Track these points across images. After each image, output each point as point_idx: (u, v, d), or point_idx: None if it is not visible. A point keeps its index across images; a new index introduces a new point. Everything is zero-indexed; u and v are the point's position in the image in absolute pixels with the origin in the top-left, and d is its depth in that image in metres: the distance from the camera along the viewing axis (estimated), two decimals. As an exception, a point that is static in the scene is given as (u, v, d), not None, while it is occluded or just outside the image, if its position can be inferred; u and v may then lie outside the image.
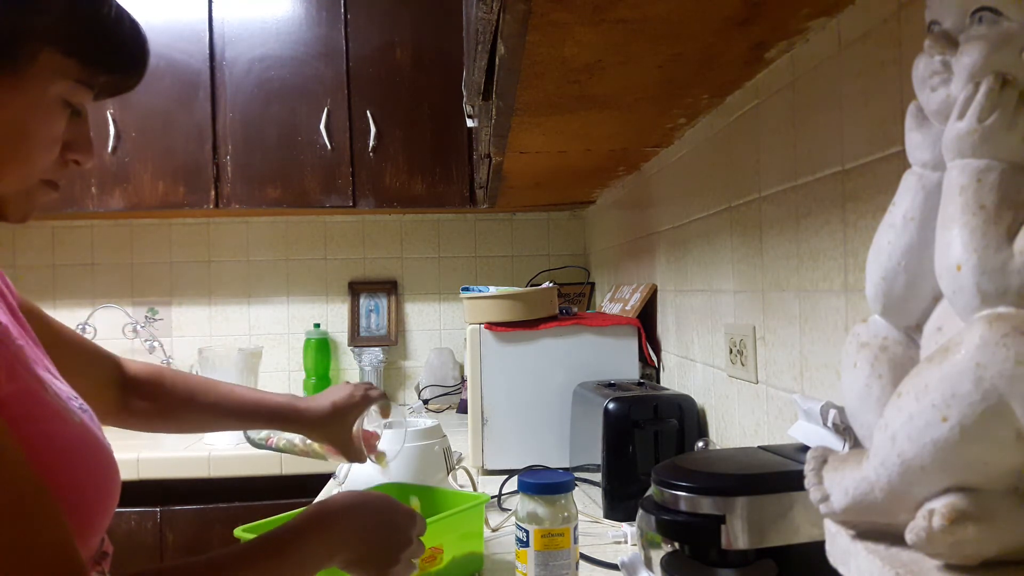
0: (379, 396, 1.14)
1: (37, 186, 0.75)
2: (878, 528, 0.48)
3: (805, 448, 0.80)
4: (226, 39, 2.32)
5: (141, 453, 1.98)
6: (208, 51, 2.31)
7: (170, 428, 1.13)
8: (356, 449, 1.10)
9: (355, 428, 1.09)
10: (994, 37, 0.45)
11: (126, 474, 2.14)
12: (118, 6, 0.72)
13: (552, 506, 0.95)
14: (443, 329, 2.74)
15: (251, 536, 0.95)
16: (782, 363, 1.07)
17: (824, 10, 0.86)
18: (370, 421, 1.14)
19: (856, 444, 0.63)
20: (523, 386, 1.63)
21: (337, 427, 1.08)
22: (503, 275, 2.75)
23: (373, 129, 2.34)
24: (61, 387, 0.80)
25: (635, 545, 1.11)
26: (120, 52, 0.73)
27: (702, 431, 1.39)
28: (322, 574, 0.79)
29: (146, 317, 2.62)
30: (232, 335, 2.66)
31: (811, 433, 0.76)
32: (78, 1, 0.68)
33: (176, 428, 1.14)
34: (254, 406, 1.08)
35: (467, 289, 1.75)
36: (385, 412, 1.16)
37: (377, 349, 2.61)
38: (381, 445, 1.15)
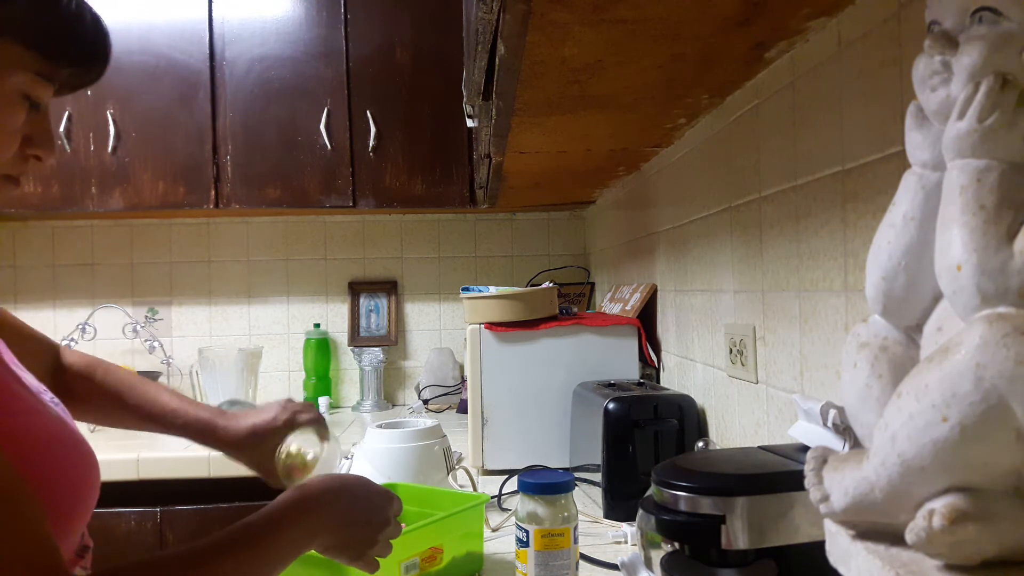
0: (310, 420, 1.04)
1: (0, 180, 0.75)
2: (878, 528, 0.48)
3: (805, 448, 0.80)
4: (226, 39, 2.32)
5: (141, 453, 1.98)
6: (208, 51, 2.31)
7: (97, 422, 1.12)
8: (276, 475, 1.01)
9: (278, 452, 1.00)
10: (994, 37, 0.45)
11: (126, 474, 2.13)
12: (78, 6, 0.72)
13: (552, 506, 0.95)
14: (443, 329, 2.74)
15: (251, 536, 0.95)
16: (782, 363, 1.07)
17: (824, 10, 0.86)
18: (303, 442, 1.03)
19: (856, 444, 0.63)
20: (523, 386, 1.63)
21: (255, 451, 1.02)
22: (503, 275, 2.75)
23: (373, 129, 2.34)
24: (31, 380, 0.80)
25: (635, 545, 1.11)
26: (81, 45, 0.73)
27: (702, 431, 1.39)
28: (299, 559, 0.79)
29: (146, 317, 2.62)
30: (232, 335, 2.66)
31: (811, 433, 0.76)
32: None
33: (102, 423, 1.11)
34: (174, 415, 1.03)
35: (467, 289, 1.75)
36: (322, 436, 1.04)
37: (377, 349, 2.61)
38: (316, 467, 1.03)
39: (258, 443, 1.02)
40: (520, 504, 0.97)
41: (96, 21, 0.74)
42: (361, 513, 0.83)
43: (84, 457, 0.79)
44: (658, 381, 1.71)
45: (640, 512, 0.88)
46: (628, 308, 1.79)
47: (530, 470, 1.31)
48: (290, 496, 0.80)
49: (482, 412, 1.63)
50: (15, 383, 0.74)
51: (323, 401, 2.51)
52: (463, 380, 2.52)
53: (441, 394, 2.55)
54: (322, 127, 2.32)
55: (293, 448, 1.01)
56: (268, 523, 0.75)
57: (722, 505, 0.75)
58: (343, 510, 0.82)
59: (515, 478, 1.18)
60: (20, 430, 0.70)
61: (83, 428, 0.94)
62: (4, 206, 2.31)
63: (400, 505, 0.88)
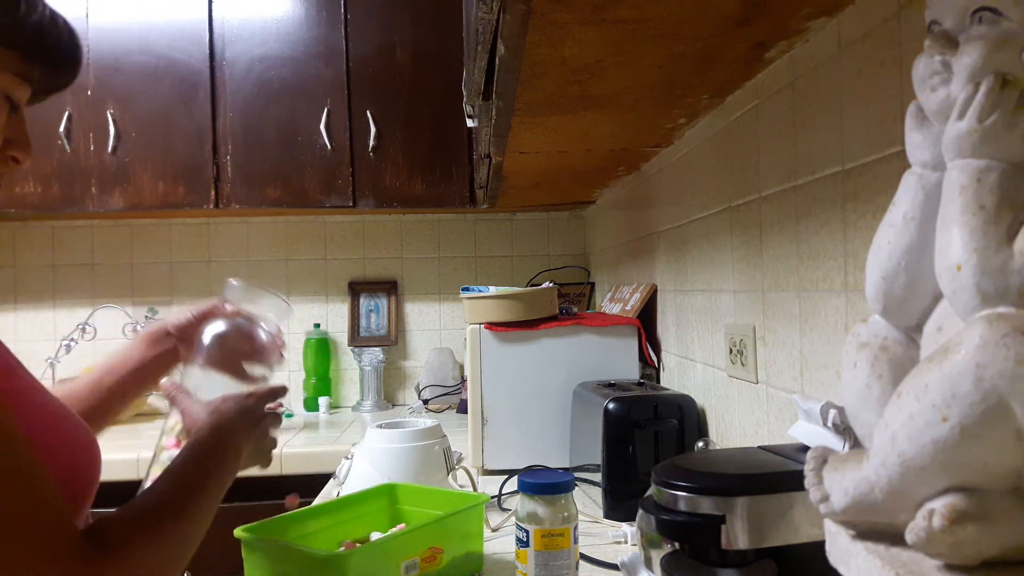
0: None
1: None
2: (878, 528, 0.48)
3: (805, 448, 0.80)
4: (226, 39, 2.32)
5: (141, 453, 1.98)
6: (208, 51, 2.31)
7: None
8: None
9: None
10: (994, 37, 0.45)
11: (126, 474, 2.13)
12: (52, 8, 0.77)
13: (552, 506, 0.95)
14: (443, 329, 2.74)
15: (250, 536, 0.96)
16: (782, 363, 1.07)
17: (824, 10, 0.86)
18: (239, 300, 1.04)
19: (856, 444, 0.63)
20: (523, 386, 1.63)
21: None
22: (503, 275, 2.75)
23: (373, 129, 2.34)
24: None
25: (635, 545, 1.11)
26: (57, 46, 0.77)
27: (702, 431, 1.39)
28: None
29: (146, 317, 2.62)
30: (232, 335, 2.65)
31: (811, 433, 0.76)
32: (13, 4, 0.72)
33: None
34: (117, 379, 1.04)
35: (467, 289, 1.75)
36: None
37: (377, 349, 2.61)
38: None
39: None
40: (520, 504, 0.97)
41: (68, 25, 0.79)
42: (248, 414, 0.91)
43: (85, 435, 0.81)
44: (658, 381, 1.71)
45: (640, 512, 0.88)
46: (628, 308, 1.79)
47: (530, 470, 1.31)
48: (208, 437, 0.86)
49: (482, 412, 1.63)
50: (16, 364, 0.77)
51: (323, 401, 2.51)
52: (463, 380, 2.52)
53: (441, 394, 2.55)
54: (322, 127, 2.32)
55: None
56: (208, 460, 0.84)
57: (722, 505, 0.75)
58: (240, 418, 0.89)
59: (515, 478, 1.18)
60: (28, 407, 0.72)
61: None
62: (4, 206, 2.31)
63: (265, 392, 0.95)
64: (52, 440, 0.75)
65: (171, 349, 1.06)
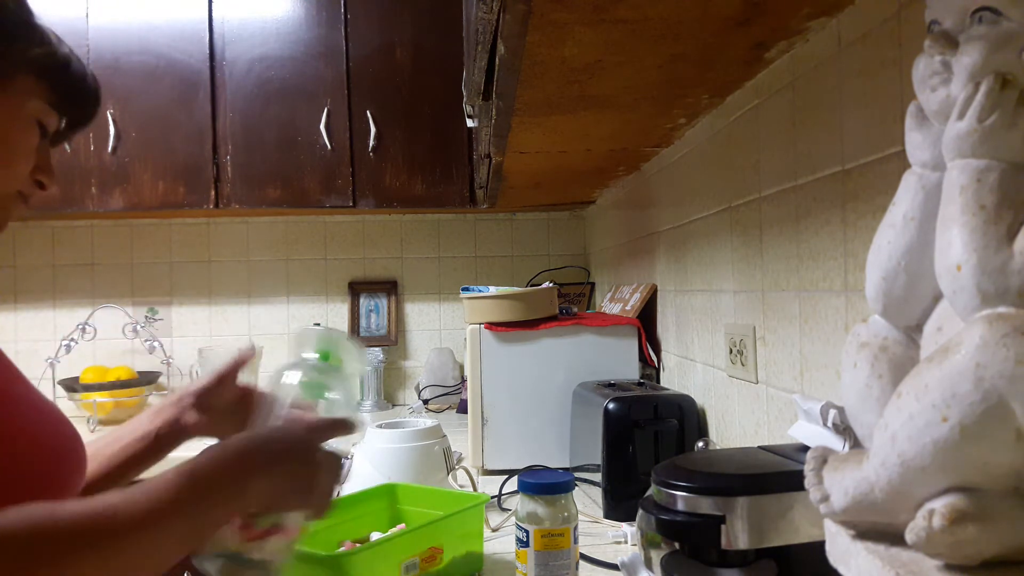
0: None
1: (11, 196, 0.82)
2: (878, 528, 0.48)
3: (805, 448, 0.80)
4: (226, 39, 2.32)
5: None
6: (208, 51, 2.31)
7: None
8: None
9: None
10: (994, 37, 0.45)
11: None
12: (75, 54, 0.86)
13: (552, 506, 0.95)
14: (443, 329, 2.74)
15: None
16: (782, 363, 1.07)
17: (824, 10, 0.86)
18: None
19: (856, 444, 0.63)
20: (523, 386, 1.63)
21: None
22: (503, 275, 2.75)
23: (373, 129, 2.34)
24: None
25: (635, 545, 1.11)
26: (83, 80, 0.85)
27: (702, 431, 1.38)
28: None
29: (146, 317, 2.62)
30: (232, 335, 2.66)
31: (811, 433, 0.76)
32: (48, 39, 0.81)
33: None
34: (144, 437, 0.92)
35: (467, 289, 1.75)
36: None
37: (377, 349, 2.61)
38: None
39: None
40: (520, 504, 0.97)
41: (84, 66, 0.87)
42: (284, 447, 0.72)
43: (66, 429, 0.82)
44: (658, 381, 1.71)
45: (640, 512, 0.88)
46: (628, 308, 1.79)
47: (530, 470, 1.31)
48: (206, 455, 0.68)
49: (482, 412, 1.63)
50: (2, 356, 0.79)
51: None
52: (463, 380, 2.52)
53: (441, 394, 2.55)
54: (322, 127, 2.32)
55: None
56: (192, 490, 0.63)
57: (722, 505, 0.75)
58: (264, 450, 0.71)
59: (515, 478, 1.18)
60: (9, 397, 0.75)
61: (83, 429, 0.94)
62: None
63: (330, 428, 0.78)
64: (36, 430, 0.76)
65: (172, 419, 0.94)
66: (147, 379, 2.44)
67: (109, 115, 2.27)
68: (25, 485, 0.72)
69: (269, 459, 0.70)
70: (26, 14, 0.80)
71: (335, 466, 0.76)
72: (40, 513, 0.54)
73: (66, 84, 0.83)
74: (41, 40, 0.80)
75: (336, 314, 2.70)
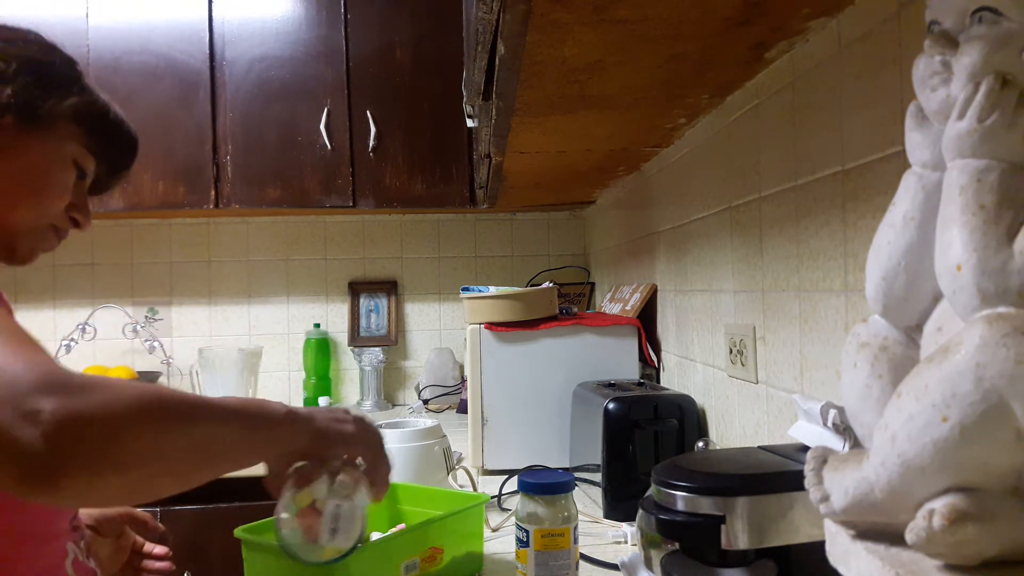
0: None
1: (46, 228, 0.91)
2: (878, 528, 0.48)
3: (805, 448, 0.80)
4: (226, 39, 2.32)
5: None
6: (208, 51, 2.31)
7: None
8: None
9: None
10: (994, 37, 0.45)
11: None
12: (115, 106, 0.95)
13: (552, 506, 0.95)
14: (443, 329, 2.74)
15: (251, 536, 0.95)
16: (782, 363, 1.07)
17: (824, 10, 0.86)
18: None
19: (856, 444, 0.63)
20: (523, 386, 1.63)
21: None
22: (503, 275, 2.75)
23: (373, 129, 2.34)
24: None
25: (635, 545, 1.11)
26: (118, 130, 0.95)
27: (702, 431, 1.38)
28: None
29: (146, 317, 2.62)
30: (232, 335, 2.66)
31: (811, 433, 0.76)
32: (89, 90, 0.91)
33: None
34: None
35: (467, 289, 1.75)
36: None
37: (377, 349, 2.61)
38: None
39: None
40: (520, 504, 0.97)
41: (122, 117, 0.96)
42: (365, 428, 0.79)
43: None
44: (658, 381, 1.71)
45: (640, 512, 0.88)
46: (628, 308, 1.79)
47: (530, 470, 1.31)
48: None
49: (482, 412, 1.63)
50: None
51: (323, 401, 2.51)
52: (463, 380, 2.52)
53: (441, 394, 2.55)
54: (322, 127, 2.32)
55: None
56: (259, 407, 0.72)
57: (722, 505, 0.75)
58: (342, 419, 0.77)
59: (515, 478, 1.18)
60: None
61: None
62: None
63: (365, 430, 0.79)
64: None
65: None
66: (147, 379, 2.44)
67: (109, 115, 2.27)
68: None
69: (327, 414, 0.77)
70: (70, 69, 0.90)
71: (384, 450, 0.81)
72: (150, 388, 0.64)
73: (103, 131, 0.92)
74: (81, 90, 0.90)
75: (336, 314, 2.70)
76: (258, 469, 0.80)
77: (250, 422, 0.70)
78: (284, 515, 0.75)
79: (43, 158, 0.86)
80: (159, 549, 1.09)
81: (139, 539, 1.08)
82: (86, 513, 0.98)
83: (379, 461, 0.80)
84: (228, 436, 0.69)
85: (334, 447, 0.76)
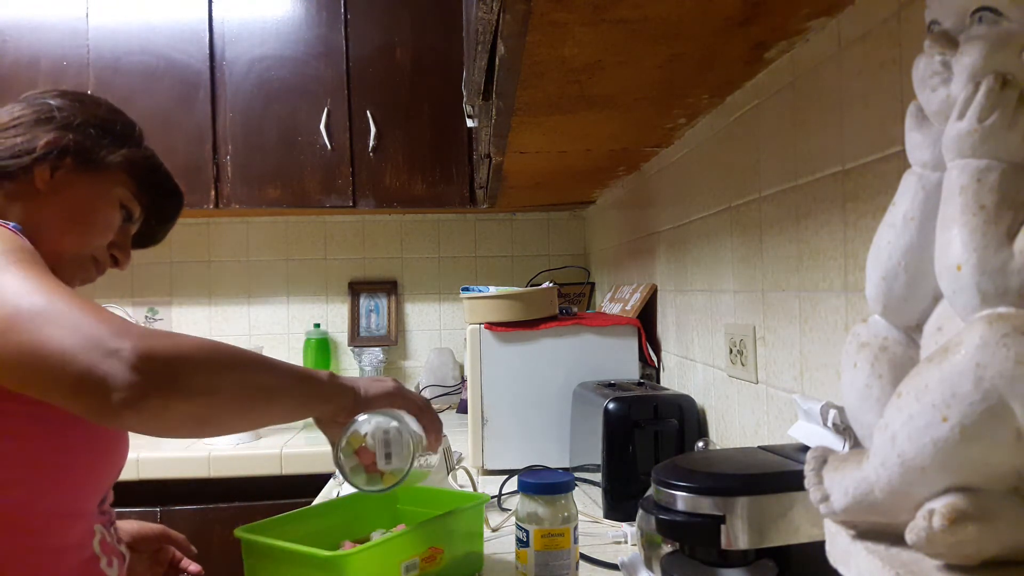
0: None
1: (88, 259, 0.99)
2: (878, 528, 0.48)
3: (805, 448, 0.80)
4: (226, 39, 2.32)
5: (141, 453, 1.98)
6: (208, 51, 2.31)
7: None
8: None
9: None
10: (994, 37, 0.45)
11: (126, 474, 2.13)
12: (165, 166, 1.08)
13: (552, 506, 0.95)
14: (443, 329, 2.74)
15: (251, 536, 0.96)
16: (782, 363, 1.07)
17: (824, 10, 0.86)
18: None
19: (856, 444, 0.63)
20: (523, 386, 1.63)
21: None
22: (503, 275, 2.75)
23: (373, 129, 2.34)
24: None
25: (635, 545, 1.11)
26: (165, 183, 1.07)
27: (702, 431, 1.39)
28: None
29: (146, 317, 2.62)
30: (232, 335, 2.66)
31: (811, 433, 0.76)
32: (142, 145, 1.04)
33: None
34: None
35: (467, 289, 1.75)
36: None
37: (377, 349, 2.61)
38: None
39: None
40: (520, 504, 0.97)
41: (171, 175, 1.09)
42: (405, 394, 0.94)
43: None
44: (658, 381, 1.71)
45: (640, 512, 0.88)
46: (628, 308, 1.79)
47: (530, 470, 1.31)
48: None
49: (482, 412, 1.63)
50: None
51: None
52: (463, 380, 2.52)
53: (441, 394, 2.55)
54: (322, 127, 2.32)
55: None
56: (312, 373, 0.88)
57: (722, 505, 0.75)
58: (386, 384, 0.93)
59: (515, 478, 1.18)
60: None
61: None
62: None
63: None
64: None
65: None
66: (147, 379, 2.44)
67: (109, 115, 2.27)
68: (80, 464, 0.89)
69: (368, 379, 0.93)
70: (129, 129, 1.03)
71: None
72: (209, 340, 0.76)
73: (151, 182, 1.04)
74: (136, 145, 1.02)
75: (336, 314, 2.70)
76: (257, 470, 0.90)
77: (299, 377, 0.85)
78: (343, 456, 0.88)
79: (93, 195, 0.97)
80: (194, 567, 1.16)
81: (178, 553, 1.16)
82: (125, 531, 1.08)
83: (424, 411, 0.94)
84: (279, 384, 0.82)
85: (377, 401, 0.89)
